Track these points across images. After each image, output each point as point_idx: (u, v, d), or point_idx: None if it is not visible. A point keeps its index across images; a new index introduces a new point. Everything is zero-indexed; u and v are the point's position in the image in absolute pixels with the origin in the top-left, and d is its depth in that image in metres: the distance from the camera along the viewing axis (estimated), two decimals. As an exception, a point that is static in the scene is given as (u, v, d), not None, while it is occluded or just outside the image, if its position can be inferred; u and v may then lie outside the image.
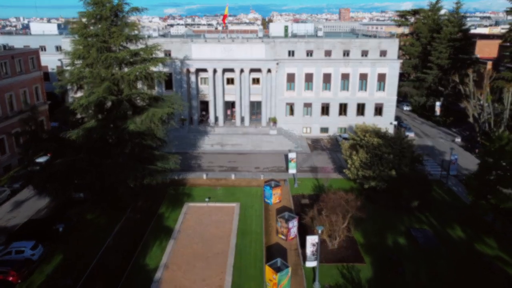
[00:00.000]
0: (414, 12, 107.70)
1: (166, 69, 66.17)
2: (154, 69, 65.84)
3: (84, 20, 38.39)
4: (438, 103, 77.32)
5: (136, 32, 39.16)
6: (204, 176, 51.29)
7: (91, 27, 38.50)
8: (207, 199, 44.16)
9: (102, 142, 38.13)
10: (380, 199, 43.18)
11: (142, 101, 41.15)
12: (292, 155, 47.66)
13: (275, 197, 44.00)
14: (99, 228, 38.61)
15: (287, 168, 53.72)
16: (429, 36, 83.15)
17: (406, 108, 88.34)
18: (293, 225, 36.57)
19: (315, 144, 65.89)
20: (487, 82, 63.04)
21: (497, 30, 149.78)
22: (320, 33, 77.16)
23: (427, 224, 39.95)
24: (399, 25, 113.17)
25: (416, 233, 38.05)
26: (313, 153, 61.67)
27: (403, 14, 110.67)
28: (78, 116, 40.04)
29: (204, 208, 43.32)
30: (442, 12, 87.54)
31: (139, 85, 41.77)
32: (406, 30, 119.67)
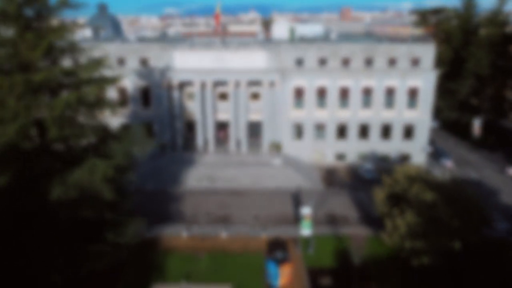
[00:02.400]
0: (435, 11, 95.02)
1: (142, 82, 52.72)
2: (129, 84, 52.88)
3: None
4: (477, 121, 63.60)
5: (69, 38, 25.38)
6: (185, 233, 37.62)
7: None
8: (183, 281, 30.49)
9: (14, 213, 24.38)
10: (437, 282, 29.55)
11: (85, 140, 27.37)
12: (305, 211, 33.89)
13: (283, 278, 30.35)
14: None
15: (296, 217, 40.27)
16: (462, 39, 69.55)
17: (434, 124, 74.42)
18: None
19: (330, 177, 52.17)
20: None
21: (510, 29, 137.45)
22: (332, 36, 63.63)
23: (516, 330, 26.34)
24: (417, 26, 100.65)
25: None
26: (329, 191, 47.95)
27: (423, 14, 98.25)
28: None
29: (179, 297, 29.63)
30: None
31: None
32: (417, 31, 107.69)
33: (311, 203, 36.24)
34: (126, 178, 28.71)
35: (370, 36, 77.01)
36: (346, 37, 65.78)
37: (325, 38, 63.27)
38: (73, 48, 26.01)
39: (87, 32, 66.70)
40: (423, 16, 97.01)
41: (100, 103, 26.29)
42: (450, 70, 71.18)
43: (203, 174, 50.37)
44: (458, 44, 69.36)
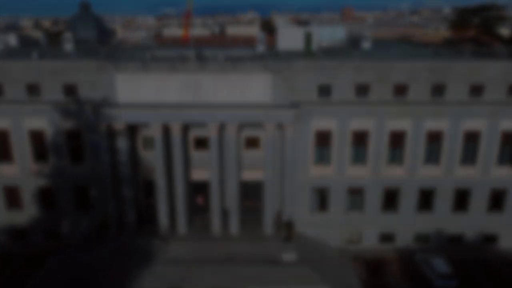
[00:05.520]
0: (478, 9, 77.12)
1: (69, 123, 32.38)
2: (47, 126, 31.11)
3: None
4: None
5: None
6: None
7: None
8: None
9: None
10: None
11: None
12: None
13: None
14: None
15: None
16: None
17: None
18: None
19: (374, 280, 31.67)
20: None
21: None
22: (365, 45, 43.02)
23: None
24: (454, 28, 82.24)
25: None
26: (382, 322, 27.50)
27: (462, 13, 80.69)
28: None
29: None
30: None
31: None
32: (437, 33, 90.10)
33: None
34: None
35: (409, 43, 56.27)
36: (385, 47, 44.86)
37: (354, 48, 42.58)
38: None
39: (11, 39, 46.26)
40: (462, 16, 79.30)
41: None
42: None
43: (166, 282, 29.79)
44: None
